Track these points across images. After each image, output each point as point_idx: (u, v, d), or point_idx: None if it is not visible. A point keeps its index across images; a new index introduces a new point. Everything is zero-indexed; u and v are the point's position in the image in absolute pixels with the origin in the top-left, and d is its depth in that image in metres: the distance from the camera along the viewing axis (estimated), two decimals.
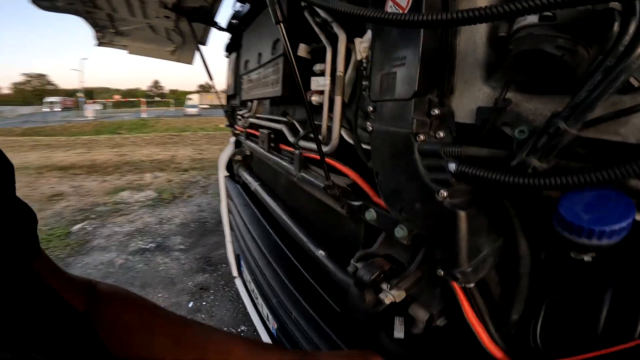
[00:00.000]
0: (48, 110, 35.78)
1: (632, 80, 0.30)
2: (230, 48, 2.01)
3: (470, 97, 0.44)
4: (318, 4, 0.39)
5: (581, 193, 0.31)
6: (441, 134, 0.44)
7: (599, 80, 0.29)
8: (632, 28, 0.28)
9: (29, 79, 63.65)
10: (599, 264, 0.38)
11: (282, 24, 0.54)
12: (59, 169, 6.24)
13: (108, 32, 2.38)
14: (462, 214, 0.39)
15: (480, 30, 0.42)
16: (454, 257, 0.41)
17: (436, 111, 0.44)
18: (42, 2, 1.64)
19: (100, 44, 2.52)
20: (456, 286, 0.46)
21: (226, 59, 2.13)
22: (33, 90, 60.15)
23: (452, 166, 0.39)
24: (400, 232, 0.52)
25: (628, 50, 0.28)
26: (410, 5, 0.45)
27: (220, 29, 1.91)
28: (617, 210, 0.29)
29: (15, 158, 5.71)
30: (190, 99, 29.93)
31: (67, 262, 2.72)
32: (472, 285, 0.43)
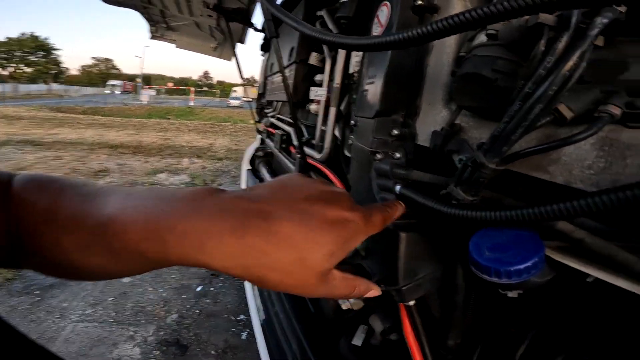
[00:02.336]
0: (109, 92, 38.76)
1: (562, 109, 0.28)
2: (264, 48, 2.09)
3: (432, 120, 0.44)
4: (288, 23, 0.42)
5: (496, 231, 0.31)
6: (397, 155, 0.45)
7: (516, 110, 0.27)
8: (560, 46, 0.24)
9: (97, 62, 69.42)
10: (529, 301, 0.38)
11: (275, 39, 0.58)
12: (109, 147, 6.77)
13: (160, 27, 2.58)
14: (403, 235, 0.41)
15: (448, 50, 0.42)
16: (392, 274, 0.42)
17: (396, 132, 0.45)
18: None
19: (153, 37, 2.74)
20: (401, 305, 0.47)
21: (262, 58, 2.22)
22: (99, 73, 65.40)
23: (397, 188, 0.41)
24: (359, 244, 0.54)
25: (550, 73, 0.24)
26: (387, 22, 0.46)
27: (256, 29, 1.99)
28: (520, 253, 0.29)
29: (73, 134, 6.28)
30: (235, 91, 31.07)
31: None
32: (411, 303, 0.44)
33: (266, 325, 1.09)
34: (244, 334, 1.82)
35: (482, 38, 0.34)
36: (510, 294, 0.38)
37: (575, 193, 0.30)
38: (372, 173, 0.46)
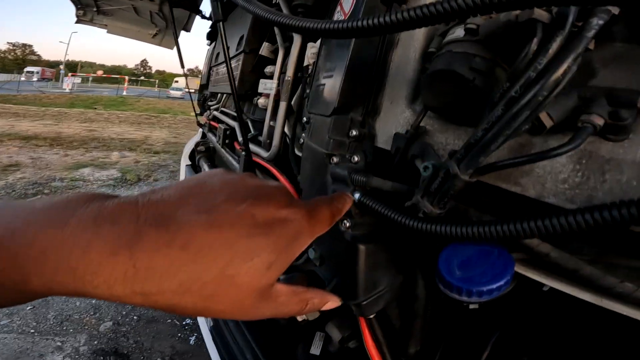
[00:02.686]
0: (24, 79, 33.88)
1: (543, 117, 0.25)
2: (211, 37, 1.94)
3: (393, 120, 0.41)
4: (238, 3, 0.35)
5: (465, 246, 0.29)
6: (356, 158, 0.41)
7: (498, 116, 0.24)
8: (554, 46, 0.21)
9: (13, 48, 60.68)
10: (490, 309, 0.37)
11: (221, 23, 0.50)
12: (21, 139, 5.85)
13: (90, 10, 2.27)
14: (362, 248, 0.37)
15: (416, 44, 0.38)
16: (352, 289, 0.38)
17: (354, 132, 0.41)
18: None
19: (80, 21, 2.41)
20: (361, 317, 0.44)
21: (208, 47, 2.06)
22: (14, 60, 57.23)
23: (357, 196, 0.36)
24: (312, 253, 0.49)
25: (541, 76, 0.21)
26: (351, 11, 0.42)
27: (203, 17, 1.84)
28: (491, 271, 0.26)
29: None
30: (177, 81, 29.11)
31: None
32: (371, 316, 0.41)
33: (215, 333, 1.00)
34: (192, 338, 1.69)
35: (457, 33, 0.30)
36: (472, 306, 0.37)
37: (546, 207, 0.29)
38: (328, 178, 0.41)
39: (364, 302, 0.39)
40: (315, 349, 0.59)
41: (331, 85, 0.41)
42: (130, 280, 0.17)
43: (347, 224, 0.39)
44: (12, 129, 6.56)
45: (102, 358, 1.52)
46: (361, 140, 0.41)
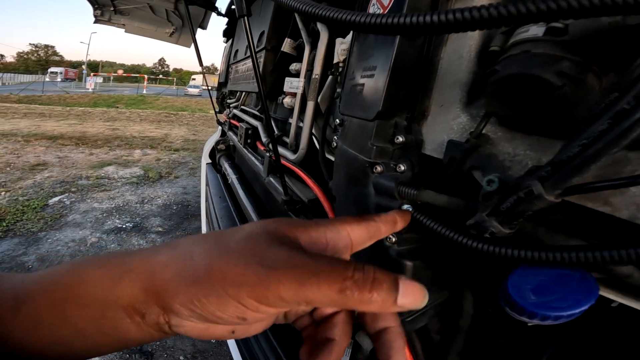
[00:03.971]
0: (49, 80, 35.17)
1: None
2: (228, 34, 1.91)
3: (444, 126, 0.36)
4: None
5: (538, 269, 0.25)
6: (402, 167, 0.37)
7: (603, 130, 0.20)
8: None
9: (36, 49, 62.65)
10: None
11: (245, 18, 0.47)
12: (47, 138, 6.07)
13: (107, 10, 2.29)
14: (409, 265, 0.33)
15: (470, 42, 0.34)
16: None
17: (400, 139, 0.37)
18: None
19: (97, 21, 2.44)
20: None
21: (225, 45, 2.04)
22: (37, 60, 59.22)
23: (405, 207, 0.33)
24: None
25: None
26: (392, 4, 0.38)
27: (219, 14, 1.81)
28: (572, 297, 0.23)
29: (5, 124, 5.57)
30: (194, 79, 29.57)
31: (37, 237, 2.63)
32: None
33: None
34: None
35: (533, 31, 0.26)
36: (531, 323, 0.33)
37: (631, 228, 0.24)
38: (370, 189, 0.38)
39: (407, 320, 0.36)
40: (345, 357, 0.57)
41: (372, 86, 0.38)
42: None
43: (393, 239, 0.35)
44: (38, 129, 6.82)
45: (127, 356, 1.55)
46: (408, 147, 0.37)
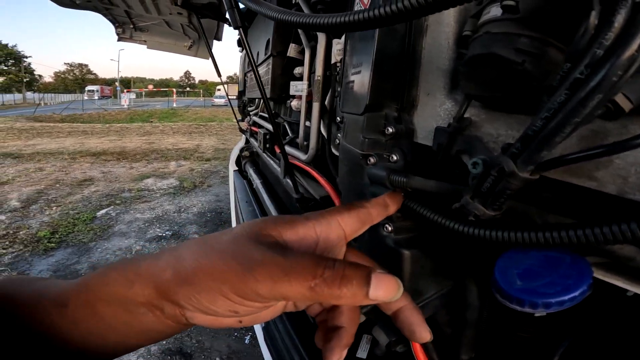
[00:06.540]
0: (87, 98, 37.68)
1: (620, 100, 0.21)
2: (241, 43, 1.98)
3: (433, 113, 0.37)
4: (250, 7, 0.34)
5: (526, 252, 0.25)
6: (394, 157, 0.38)
7: (562, 102, 0.20)
8: (619, 19, 0.17)
9: (71, 68, 66.97)
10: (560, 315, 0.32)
11: (240, 30, 0.50)
12: (91, 155, 6.56)
13: (128, 28, 2.43)
14: (406, 254, 0.34)
15: (447, 29, 0.34)
16: None
17: (390, 129, 0.38)
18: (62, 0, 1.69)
19: (121, 39, 2.59)
20: None
21: (240, 54, 2.11)
22: (74, 79, 63.21)
23: None
24: None
25: (610, 53, 0.17)
26: (370, 1, 0.39)
27: (230, 25, 1.88)
28: (562, 282, 0.22)
29: (52, 143, 6.08)
30: (219, 89, 30.56)
31: (88, 247, 2.86)
32: None
33: (267, 334, 1.03)
34: (247, 338, 1.78)
35: (493, 12, 0.26)
36: (538, 314, 0.32)
37: (625, 204, 0.24)
38: (365, 180, 0.39)
39: None
40: (362, 352, 0.58)
41: (360, 81, 0.39)
42: None
43: (389, 228, 0.36)
44: (82, 146, 7.38)
45: (169, 357, 1.65)
46: (398, 137, 0.38)
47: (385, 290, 0.20)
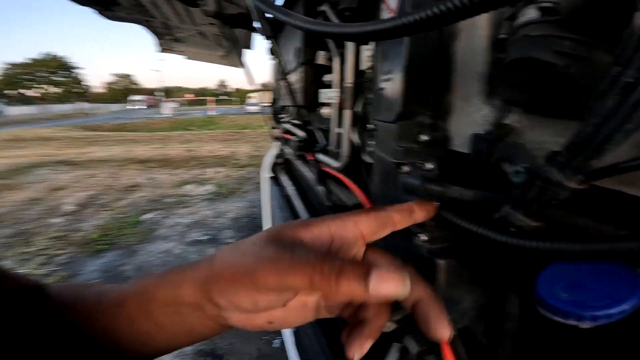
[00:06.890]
0: (132, 107, 39.97)
1: None
2: (273, 52, 2.04)
3: (469, 120, 0.36)
4: (279, 17, 0.35)
5: (569, 264, 0.23)
6: (429, 166, 0.37)
7: (614, 107, 0.18)
8: None
9: (118, 78, 71.98)
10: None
11: (273, 39, 0.51)
12: (138, 162, 7.01)
13: (167, 39, 2.59)
14: (441, 263, 0.33)
15: (480, 33, 0.33)
16: None
17: (424, 137, 0.37)
18: (105, 12, 1.84)
19: (162, 50, 2.76)
20: None
21: (272, 62, 2.17)
22: (122, 90, 67.78)
23: None
24: None
25: None
26: (398, 6, 0.39)
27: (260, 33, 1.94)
28: (612, 295, 0.21)
29: (103, 151, 6.59)
30: (250, 97, 31.47)
31: (134, 249, 3.05)
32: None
33: (295, 338, 1.04)
34: (276, 341, 1.80)
35: (530, 14, 0.25)
36: (584, 326, 0.30)
37: None
38: (399, 189, 0.39)
39: None
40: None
41: (391, 88, 0.39)
42: None
43: (425, 238, 0.35)
44: (129, 154, 7.92)
45: (202, 358, 1.71)
46: (433, 145, 0.37)
47: (387, 284, 0.21)
